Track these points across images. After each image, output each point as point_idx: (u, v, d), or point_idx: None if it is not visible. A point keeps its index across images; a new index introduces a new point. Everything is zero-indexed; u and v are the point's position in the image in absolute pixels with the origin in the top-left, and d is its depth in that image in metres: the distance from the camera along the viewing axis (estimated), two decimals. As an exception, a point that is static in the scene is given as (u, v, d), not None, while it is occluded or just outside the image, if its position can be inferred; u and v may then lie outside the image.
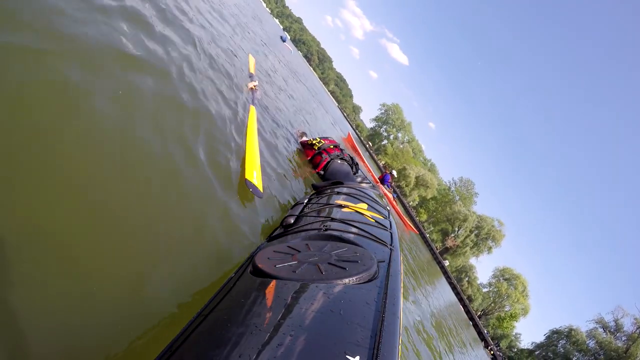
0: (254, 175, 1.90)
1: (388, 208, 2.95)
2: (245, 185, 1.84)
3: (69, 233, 1.03)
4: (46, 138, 1.15)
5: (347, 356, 0.70)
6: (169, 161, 1.63)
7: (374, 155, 36.67)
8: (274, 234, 1.95)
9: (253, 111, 2.63)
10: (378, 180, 12.54)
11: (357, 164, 4.52)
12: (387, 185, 13.52)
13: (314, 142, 4.14)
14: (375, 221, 2.10)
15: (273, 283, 1.06)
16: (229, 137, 2.32)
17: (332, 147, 4.17)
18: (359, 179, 4.34)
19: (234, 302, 1.03)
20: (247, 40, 6.28)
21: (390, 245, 1.66)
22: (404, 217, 13.60)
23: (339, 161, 4.07)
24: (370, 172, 11.43)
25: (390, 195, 12.67)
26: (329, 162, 3.95)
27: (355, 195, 2.77)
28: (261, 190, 1.89)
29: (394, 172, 16.17)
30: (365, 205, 2.47)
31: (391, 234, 1.91)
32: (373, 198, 3.02)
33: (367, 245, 1.52)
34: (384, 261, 1.34)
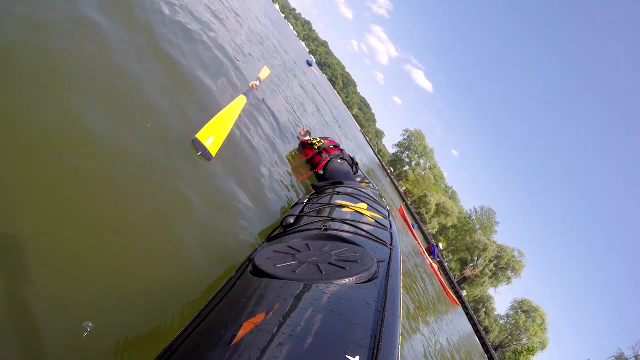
0: (210, 139, 1.89)
1: (388, 208, 2.95)
2: (193, 145, 1.82)
3: (71, 233, 1.03)
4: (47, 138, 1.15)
5: (347, 356, 0.70)
6: (172, 162, 1.63)
7: (395, 181, 35.94)
8: (273, 234, 1.95)
9: (241, 98, 2.66)
10: (425, 252, 12.53)
11: (357, 164, 4.51)
12: (435, 257, 13.62)
13: (314, 141, 4.13)
14: (375, 221, 2.10)
15: (273, 283, 1.06)
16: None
17: (332, 147, 4.15)
18: (359, 179, 4.33)
19: (234, 302, 1.03)
20: (275, 59, 6.33)
21: (390, 245, 1.66)
22: (448, 288, 13.32)
23: (339, 161, 4.05)
24: (419, 244, 11.59)
25: (435, 266, 12.69)
26: (328, 161, 3.93)
27: (355, 195, 2.77)
28: (213, 155, 1.88)
29: (440, 245, 16.54)
30: (365, 205, 2.47)
31: (391, 234, 1.91)
32: (373, 198, 3.02)
33: (367, 245, 1.52)
34: (384, 261, 1.34)
